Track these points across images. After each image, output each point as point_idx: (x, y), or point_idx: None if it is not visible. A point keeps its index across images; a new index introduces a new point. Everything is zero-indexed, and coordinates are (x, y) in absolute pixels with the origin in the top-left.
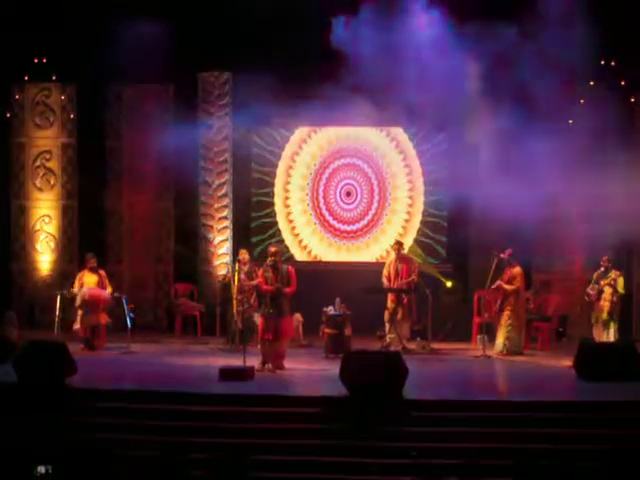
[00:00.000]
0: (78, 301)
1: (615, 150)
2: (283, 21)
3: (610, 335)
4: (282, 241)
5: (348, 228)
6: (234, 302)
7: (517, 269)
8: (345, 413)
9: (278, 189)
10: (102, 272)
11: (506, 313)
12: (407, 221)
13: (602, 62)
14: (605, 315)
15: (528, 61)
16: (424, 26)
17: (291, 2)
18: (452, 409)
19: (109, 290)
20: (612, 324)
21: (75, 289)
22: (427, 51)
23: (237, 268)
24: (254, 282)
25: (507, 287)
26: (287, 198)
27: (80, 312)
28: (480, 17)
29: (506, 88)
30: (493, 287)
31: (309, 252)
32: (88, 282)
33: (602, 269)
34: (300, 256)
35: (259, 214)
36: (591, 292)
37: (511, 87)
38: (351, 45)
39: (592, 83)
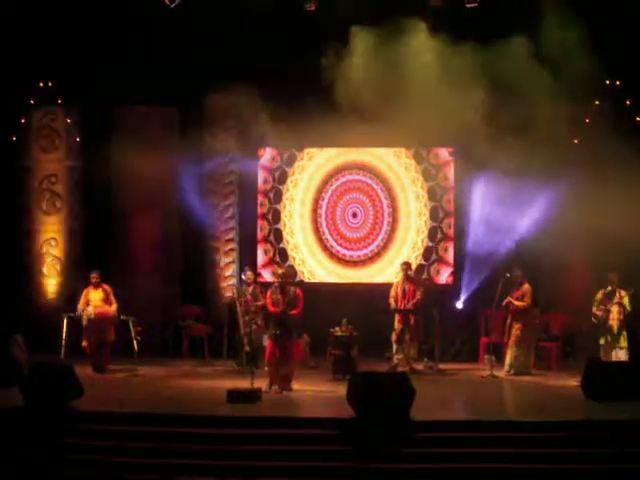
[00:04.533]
0: (84, 320)
1: (621, 169)
2: (287, 45)
3: (620, 356)
4: (289, 262)
5: (354, 254)
6: (240, 324)
7: (526, 286)
8: (352, 435)
9: (284, 209)
10: (106, 287)
11: (516, 333)
12: (419, 247)
13: (607, 82)
14: (615, 333)
15: (533, 83)
16: (424, 49)
17: (295, 26)
18: (459, 430)
19: (115, 306)
20: (622, 341)
21: (80, 306)
22: (428, 74)
23: (243, 289)
24: (260, 303)
25: (517, 303)
26: (293, 217)
27: (87, 331)
28: (480, 38)
29: (510, 111)
30: (503, 303)
31: (315, 273)
32: (93, 298)
33: (609, 288)
34: (307, 277)
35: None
36: (598, 313)
37: (516, 110)
38: (349, 69)
39: (597, 102)
